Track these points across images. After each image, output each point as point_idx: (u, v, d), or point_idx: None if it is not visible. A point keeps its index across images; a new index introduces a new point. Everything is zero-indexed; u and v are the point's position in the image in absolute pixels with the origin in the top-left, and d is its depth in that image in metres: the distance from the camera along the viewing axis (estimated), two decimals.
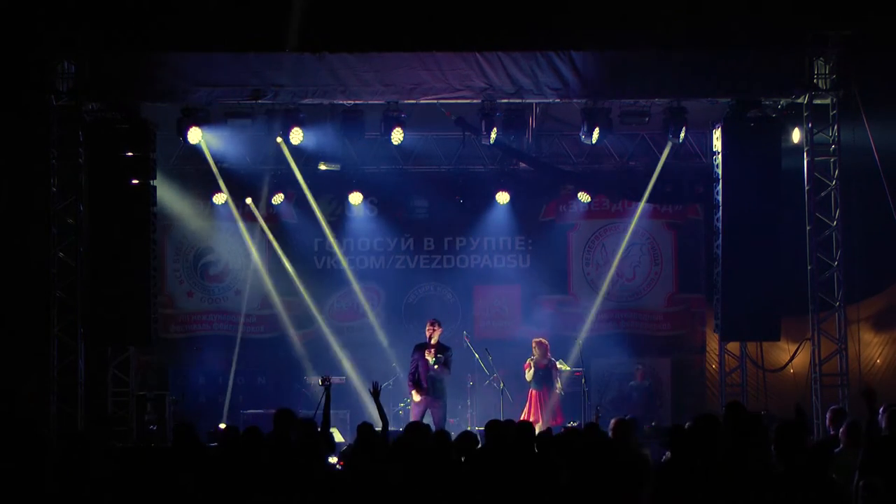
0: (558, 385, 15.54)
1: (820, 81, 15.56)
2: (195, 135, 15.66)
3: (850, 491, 7.72)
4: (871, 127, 15.31)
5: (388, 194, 18.25)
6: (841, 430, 9.37)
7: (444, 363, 14.52)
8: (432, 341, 14.57)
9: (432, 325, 14.71)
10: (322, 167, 17.58)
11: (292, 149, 16.67)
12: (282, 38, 15.28)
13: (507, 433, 8.93)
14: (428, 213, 18.43)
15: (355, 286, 18.31)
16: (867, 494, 7.01)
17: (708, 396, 17.90)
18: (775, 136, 15.73)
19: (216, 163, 17.25)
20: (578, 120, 15.84)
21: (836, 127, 15.70)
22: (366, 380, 16.98)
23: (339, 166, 17.62)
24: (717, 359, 17.62)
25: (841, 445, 9.11)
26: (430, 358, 14.47)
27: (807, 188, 15.85)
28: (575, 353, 16.32)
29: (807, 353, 16.14)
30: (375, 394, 10.53)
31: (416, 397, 14.58)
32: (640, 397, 17.46)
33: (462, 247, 18.54)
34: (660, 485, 7.13)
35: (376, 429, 9.88)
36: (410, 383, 14.67)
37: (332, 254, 18.41)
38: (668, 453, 8.59)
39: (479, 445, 9.20)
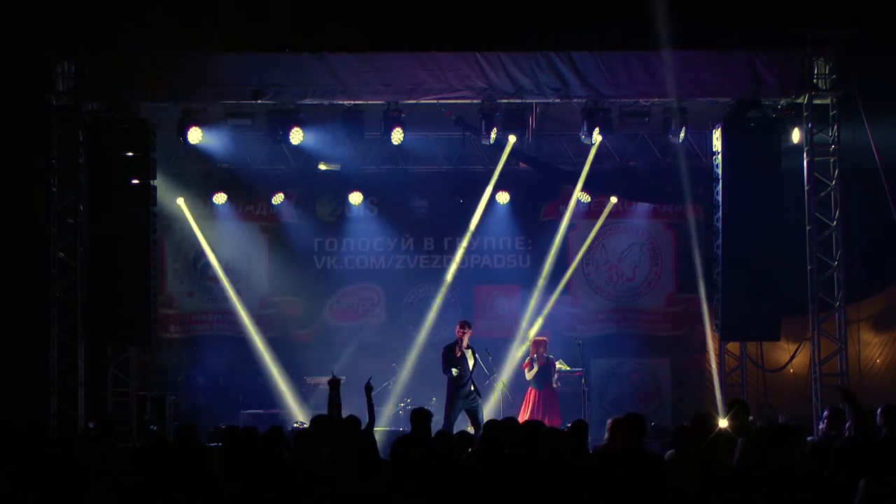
0: (555, 384, 15.50)
1: (820, 81, 15.58)
2: (195, 135, 15.66)
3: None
4: (871, 127, 15.31)
5: (388, 194, 18.25)
6: (824, 416, 9.41)
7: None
8: (464, 343, 14.41)
9: (463, 326, 14.50)
10: (322, 167, 17.59)
11: (293, 148, 16.74)
12: (282, 38, 15.28)
13: (505, 433, 8.94)
14: (428, 213, 18.43)
15: (355, 286, 18.31)
16: (868, 495, 7.02)
17: (708, 396, 17.89)
18: (775, 136, 15.74)
19: (216, 163, 17.28)
20: (578, 120, 15.85)
21: (836, 127, 15.71)
22: (366, 379, 16.99)
23: (339, 166, 17.63)
24: (717, 359, 17.62)
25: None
26: (471, 361, 14.34)
27: (807, 188, 15.85)
28: (576, 353, 16.30)
29: (807, 353, 16.14)
30: (367, 389, 10.60)
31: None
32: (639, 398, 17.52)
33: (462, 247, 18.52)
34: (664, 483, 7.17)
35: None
36: (452, 390, 14.30)
37: (332, 254, 18.41)
38: (670, 452, 8.62)
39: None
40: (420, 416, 9.61)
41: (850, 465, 7.43)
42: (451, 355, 14.35)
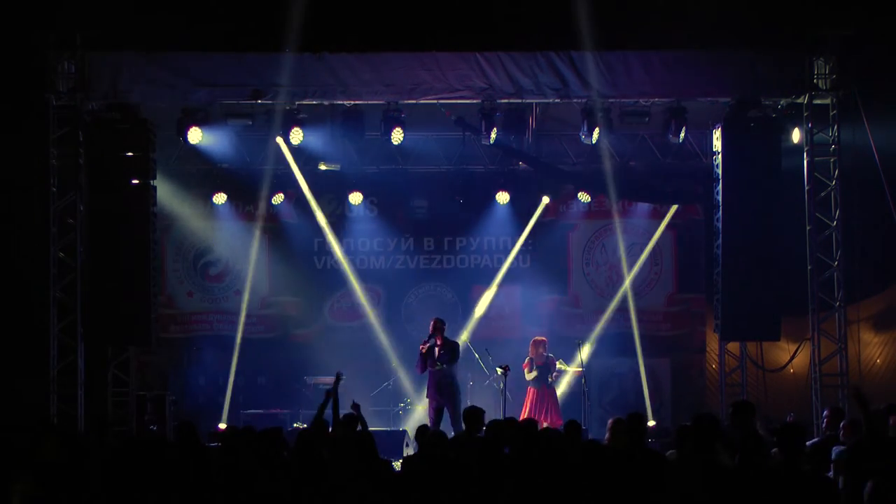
0: (550, 378, 15.50)
1: (820, 81, 15.56)
2: (195, 135, 15.66)
3: (856, 490, 7.73)
4: (871, 127, 15.31)
5: (388, 194, 18.26)
6: (842, 426, 9.38)
7: (447, 359, 14.48)
8: (436, 340, 14.51)
9: (434, 323, 14.65)
10: (322, 167, 17.59)
11: (292, 148, 16.73)
12: (282, 38, 15.27)
13: (507, 432, 8.94)
14: (428, 213, 18.43)
15: (355, 286, 18.32)
16: (876, 496, 7.01)
17: (708, 396, 17.90)
18: (775, 136, 15.74)
19: (216, 163, 17.27)
20: (578, 120, 15.84)
21: (836, 127, 15.70)
22: (366, 380, 17.01)
23: (339, 166, 17.64)
24: (717, 359, 17.62)
25: (843, 445, 9.12)
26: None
27: (807, 188, 15.85)
28: (576, 353, 16.32)
29: (807, 353, 16.14)
30: (335, 381, 10.59)
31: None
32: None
33: (462, 247, 18.54)
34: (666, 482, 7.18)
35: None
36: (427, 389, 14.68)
37: (332, 254, 18.41)
38: (671, 452, 8.62)
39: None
40: (473, 415, 9.60)
41: (861, 469, 7.44)
42: (419, 352, 14.45)
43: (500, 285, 18.45)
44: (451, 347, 14.59)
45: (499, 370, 14.94)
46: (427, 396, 14.72)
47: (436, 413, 14.44)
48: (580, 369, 16.04)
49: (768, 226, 15.64)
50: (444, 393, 14.41)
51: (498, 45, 15.36)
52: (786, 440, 6.91)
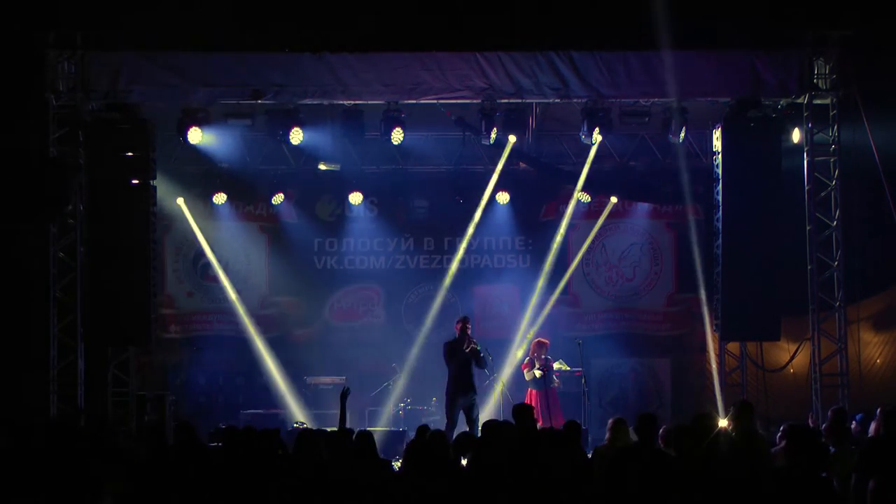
0: (556, 381, 15.54)
1: (820, 81, 15.58)
2: (195, 135, 15.66)
3: (849, 490, 7.75)
4: (871, 127, 15.32)
5: (388, 194, 18.26)
6: (823, 428, 9.40)
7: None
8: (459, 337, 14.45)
9: (460, 321, 14.59)
10: (322, 167, 17.59)
11: (292, 148, 16.76)
12: (282, 38, 15.28)
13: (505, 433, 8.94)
14: (428, 213, 18.43)
15: (355, 286, 18.32)
16: (877, 494, 7.00)
17: (708, 396, 17.89)
18: (775, 136, 15.75)
19: (216, 163, 17.28)
20: (578, 120, 15.85)
21: (836, 127, 15.72)
22: (366, 379, 17.01)
23: (339, 166, 17.64)
24: (717, 359, 17.62)
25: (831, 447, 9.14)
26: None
27: (807, 188, 15.87)
28: (576, 353, 16.31)
29: (807, 353, 16.15)
30: (343, 395, 10.53)
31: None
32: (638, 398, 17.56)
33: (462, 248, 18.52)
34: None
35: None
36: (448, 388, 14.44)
37: (332, 254, 18.42)
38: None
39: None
40: (523, 412, 9.57)
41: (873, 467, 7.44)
42: (447, 349, 14.41)
43: (500, 285, 18.46)
44: (476, 350, 14.51)
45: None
46: (445, 394, 14.59)
47: (451, 410, 14.37)
48: (580, 369, 16.04)
49: (768, 226, 15.65)
50: (464, 394, 14.34)
51: (498, 45, 15.36)
52: (795, 443, 6.90)
